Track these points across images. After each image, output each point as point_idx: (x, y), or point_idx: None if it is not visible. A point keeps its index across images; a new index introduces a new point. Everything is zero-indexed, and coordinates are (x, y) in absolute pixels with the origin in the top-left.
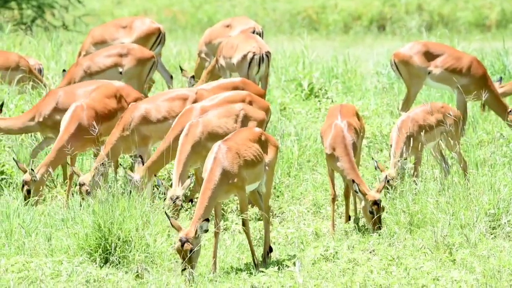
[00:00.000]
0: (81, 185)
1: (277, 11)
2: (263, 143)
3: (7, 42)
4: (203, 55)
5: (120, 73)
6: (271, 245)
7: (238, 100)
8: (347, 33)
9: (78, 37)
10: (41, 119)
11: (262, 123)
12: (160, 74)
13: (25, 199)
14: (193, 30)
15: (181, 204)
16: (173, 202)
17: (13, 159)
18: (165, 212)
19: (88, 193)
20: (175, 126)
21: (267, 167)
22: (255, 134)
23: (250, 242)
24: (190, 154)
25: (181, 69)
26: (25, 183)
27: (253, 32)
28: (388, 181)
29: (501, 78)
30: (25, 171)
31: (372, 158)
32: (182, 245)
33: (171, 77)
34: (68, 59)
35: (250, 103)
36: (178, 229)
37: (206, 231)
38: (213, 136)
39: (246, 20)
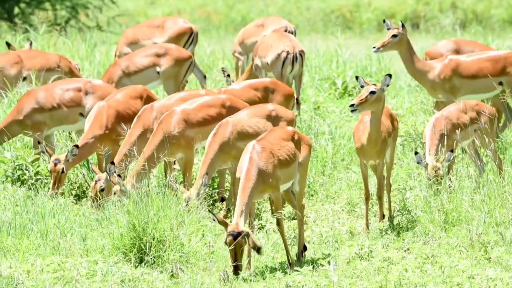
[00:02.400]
0: (96, 181)
1: (310, 10)
2: (296, 142)
3: (41, 43)
4: (236, 54)
5: (158, 73)
6: (306, 244)
7: (217, 104)
8: (381, 31)
9: (112, 38)
10: (21, 118)
11: (291, 123)
12: (194, 73)
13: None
14: (227, 30)
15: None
16: (186, 204)
17: (44, 148)
18: (210, 211)
19: (101, 190)
20: (135, 125)
21: (300, 166)
22: (288, 133)
23: (284, 241)
24: (217, 154)
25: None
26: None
27: (285, 31)
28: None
29: None
30: (51, 155)
31: (416, 153)
32: (235, 238)
33: (205, 76)
34: (102, 60)
35: (230, 107)
36: (225, 225)
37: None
38: (243, 136)
39: (278, 20)
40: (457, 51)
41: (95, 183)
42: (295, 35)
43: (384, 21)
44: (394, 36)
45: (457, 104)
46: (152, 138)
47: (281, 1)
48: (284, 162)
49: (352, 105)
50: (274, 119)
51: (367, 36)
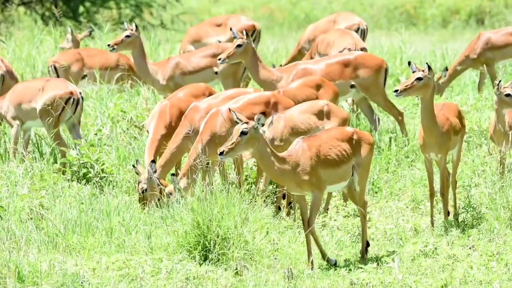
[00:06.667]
0: (139, 182)
1: (374, 6)
2: (356, 143)
3: (106, 42)
4: (305, 51)
5: (216, 73)
6: (369, 240)
7: (262, 101)
8: (445, 27)
9: (176, 36)
10: (1, 111)
11: (345, 121)
12: None
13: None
14: (290, 27)
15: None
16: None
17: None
18: None
19: (143, 191)
20: (181, 124)
21: (358, 166)
22: (345, 134)
23: (316, 239)
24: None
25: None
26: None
27: (358, 29)
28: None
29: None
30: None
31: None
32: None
33: None
34: (166, 57)
35: (275, 103)
36: None
37: None
38: (296, 132)
39: (351, 16)
40: None
41: (138, 185)
42: (366, 33)
43: (231, 29)
44: (239, 46)
45: None
46: (199, 137)
47: None
48: (332, 162)
49: (396, 91)
50: (326, 115)
51: (431, 33)
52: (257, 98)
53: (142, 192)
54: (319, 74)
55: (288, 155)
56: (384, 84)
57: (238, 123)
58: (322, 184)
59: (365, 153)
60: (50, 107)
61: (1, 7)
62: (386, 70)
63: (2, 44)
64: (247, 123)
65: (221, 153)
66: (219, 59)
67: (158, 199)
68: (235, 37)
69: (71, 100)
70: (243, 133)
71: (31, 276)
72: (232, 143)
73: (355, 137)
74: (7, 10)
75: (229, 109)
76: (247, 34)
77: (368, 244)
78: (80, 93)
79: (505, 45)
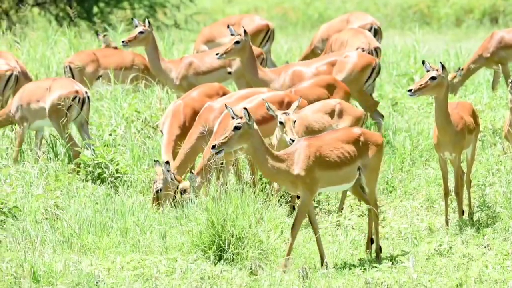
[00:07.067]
0: (154, 182)
1: (388, 6)
2: (362, 144)
3: (120, 42)
4: (318, 51)
5: (229, 73)
6: (381, 239)
7: (276, 101)
8: (459, 26)
9: (189, 36)
10: (12, 112)
11: (359, 120)
12: None
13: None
14: (304, 27)
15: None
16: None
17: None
18: None
19: (158, 191)
20: (196, 124)
21: (365, 168)
22: (350, 135)
23: (291, 246)
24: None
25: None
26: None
27: (370, 28)
28: None
29: (459, 68)
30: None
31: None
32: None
33: None
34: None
35: (289, 103)
36: None
37: None
38: (310, 131)
39: (364, 16)
40: None
41: (153, 184)
42: (380, 32)
43: (228, 26)
44: (237, 42)
45: None
46: (213, 137)
47: None
48: (333, 164)
49: (410, 90)
50: (338, 114)
51: (445, 32)
52: (270, 97)
53: (157, 192)
54: (310, 75)
55: (285, 153)
56: (371, 80)
57: (234, 118)
58: (315, 186)
59: (373, 155)
60: (58, 106)
61: (15, 7)
62: (376, 69)
63: (17, 45)
64: (241, 118)
65: (213, 147)
66: (217, 54)
67: (173, 199)
68: (232, 35)
69: (77, 99)
70: (236, 128)
71: (46, 276)
72: (225, 138)
73: (362, 138)
74: (21, 10)
75: (225, 105)
76: (245, 32)
77: (372, 241)
78: (86, 92)
79: None
